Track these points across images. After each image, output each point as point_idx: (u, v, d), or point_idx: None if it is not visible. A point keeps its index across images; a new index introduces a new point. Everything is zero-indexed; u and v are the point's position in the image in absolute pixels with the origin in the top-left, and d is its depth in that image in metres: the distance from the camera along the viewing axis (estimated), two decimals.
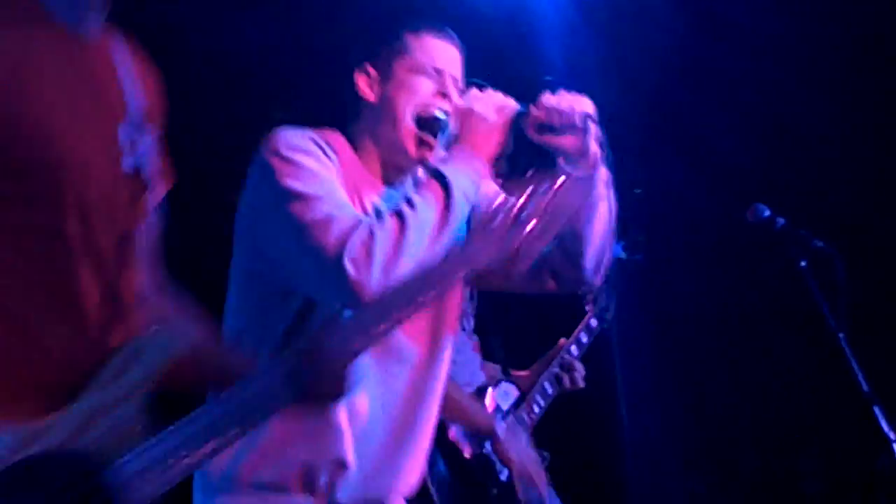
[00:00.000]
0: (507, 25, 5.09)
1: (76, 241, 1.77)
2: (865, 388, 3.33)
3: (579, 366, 3.85)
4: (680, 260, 4.94)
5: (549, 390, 3.84)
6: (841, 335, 3.32)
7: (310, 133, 2.61)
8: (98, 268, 1.82)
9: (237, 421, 1.88)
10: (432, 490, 3.56)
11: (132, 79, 1.91)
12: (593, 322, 3.99)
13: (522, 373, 3.92)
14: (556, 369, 3.85)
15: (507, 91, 3.90)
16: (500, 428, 3.68)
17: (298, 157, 2.54)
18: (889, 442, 3.30)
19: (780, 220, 3.55)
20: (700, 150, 5.04)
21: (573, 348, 3.94)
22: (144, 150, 1.89)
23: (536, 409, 3.82)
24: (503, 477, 3.71)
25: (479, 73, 4.11)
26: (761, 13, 5.06)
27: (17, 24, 1.74)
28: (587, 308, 4.04)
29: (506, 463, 3.66)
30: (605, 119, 2.57)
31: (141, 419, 1.81)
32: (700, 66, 5.17)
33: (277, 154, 2.52)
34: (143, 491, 1.77)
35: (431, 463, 3.43)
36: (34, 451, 1.70)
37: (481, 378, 3.71)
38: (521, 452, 3.63)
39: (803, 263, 3.44)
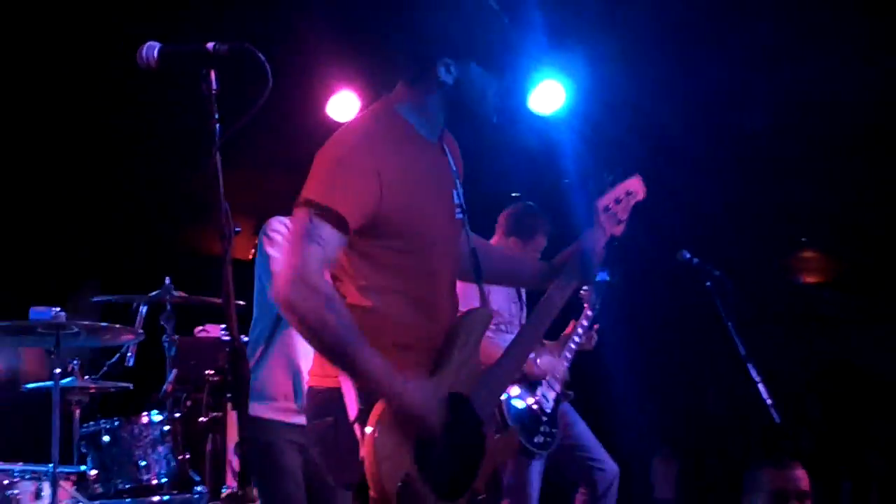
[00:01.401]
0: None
1: (439, 266, 2.37)
2: (742, 353, 4.13)
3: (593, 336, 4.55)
4: (639, 283, 5.52)
5: (574, 347, 4.62)
6: (730, 324, 4.16)
7: None
8: (448, 278, 2.40)
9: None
10: (508, 418, 4.44)
11: (454, 159, 2.45)
12: (589, 312, 4.72)
13: (553, 342, 4.71)
14: (576, 337, 4.66)
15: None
16: (535, 363, 4.47)
17: None
18: (766, 404, 4.07)
19: (695, 259, 4.36)
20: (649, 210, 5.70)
21: (581, 329, 4.71)
22: (462, 202, 2.44)
23: (565, 363, 4.62)
24: (546, 428, 4.56)
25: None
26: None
27: (405, 143, 2.30)
28: (584, 304, 4.74)
29: (540, 376, 4.48)
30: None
31: (480, 367, 2.41)
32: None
33: None
34: (487, 409, 2.40)
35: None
36: (447, 393, 2.27)
37: None
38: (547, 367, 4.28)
39: (708, 283, 4.28)
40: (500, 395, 2.86)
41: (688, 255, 4.39)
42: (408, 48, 2.39)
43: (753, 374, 4.17)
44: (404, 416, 2.18)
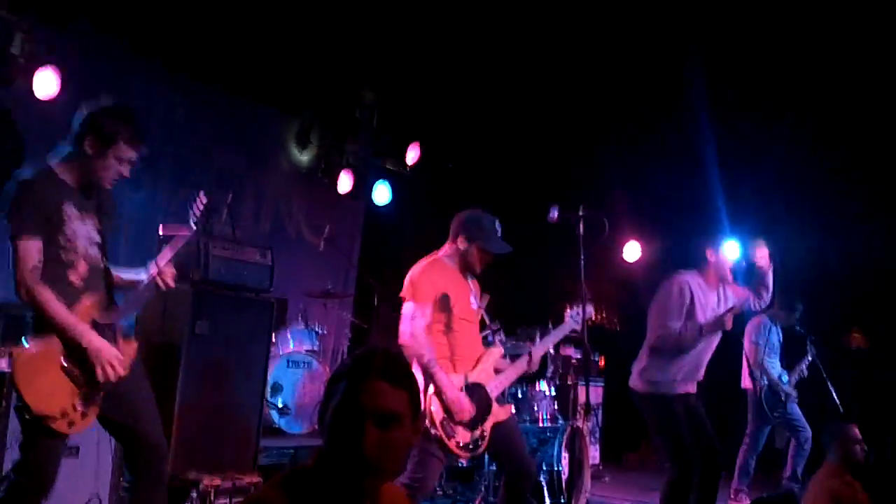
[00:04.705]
0: None
1: (467, 328, 3.72)
2: (825, 375, 6.53)
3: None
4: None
5: (800, 376, 6.51)
6: (818, 362, 6.54)
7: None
8: (473, 334, 3.77)
9: None
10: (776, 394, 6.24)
11: (472, 282, 3.77)
12: (809, 358, 6.52)
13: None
14: (801, 372, 6.40)
15: None
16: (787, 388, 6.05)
17: None
18: (835, 400, 6.16)
19: (803, 330, 6.59)
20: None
21: (804, 365, 6.53)
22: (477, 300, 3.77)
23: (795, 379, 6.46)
24: (781, 410, 6.24)
25: None
26: None
27: (450, 276, 3.76)
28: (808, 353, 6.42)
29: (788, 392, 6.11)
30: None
31: (492, 373, 3.76)
32: None
33: None
34: (495, 392, 3.70)
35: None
36: (472, 381, 3.65)
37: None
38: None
39: (809, 340, 6.67)
40: (503, 386, 3.94)
41: (799, 328, 6.95)
42: (452, 229, 3.85)
43: (830, 385, 6.71)
44: (447, 399, 3.58)
